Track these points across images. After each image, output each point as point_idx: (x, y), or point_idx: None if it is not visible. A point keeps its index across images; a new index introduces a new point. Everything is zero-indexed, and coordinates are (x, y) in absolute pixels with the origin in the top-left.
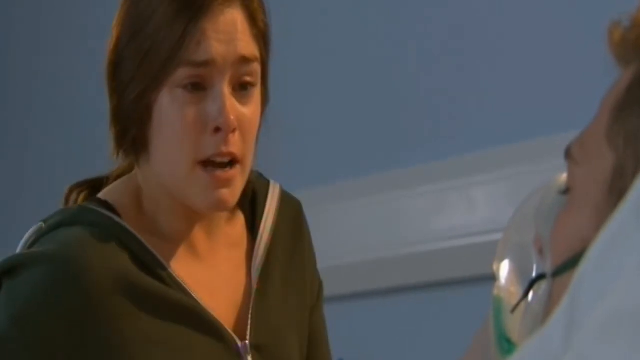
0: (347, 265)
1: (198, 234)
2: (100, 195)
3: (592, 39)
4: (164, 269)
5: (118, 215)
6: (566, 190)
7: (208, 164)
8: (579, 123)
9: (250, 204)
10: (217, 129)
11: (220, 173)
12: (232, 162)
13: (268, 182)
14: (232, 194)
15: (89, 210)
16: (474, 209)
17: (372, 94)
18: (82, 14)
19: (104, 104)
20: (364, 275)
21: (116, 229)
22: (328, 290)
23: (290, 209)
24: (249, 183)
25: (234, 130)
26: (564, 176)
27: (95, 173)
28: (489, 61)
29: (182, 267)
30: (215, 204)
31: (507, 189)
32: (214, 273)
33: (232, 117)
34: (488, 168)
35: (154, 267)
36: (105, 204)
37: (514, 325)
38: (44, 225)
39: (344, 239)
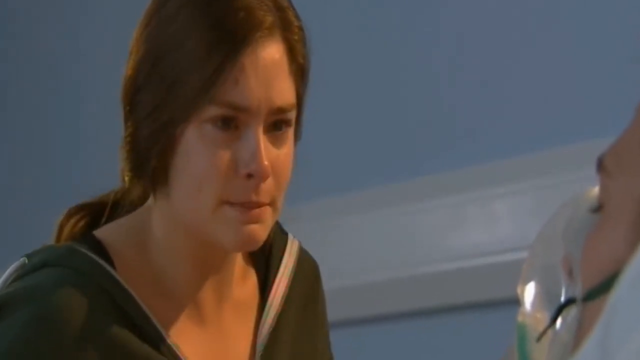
0: (353, 286)
1: (206, 292)
2: (97, 232)
3: (622, 42)
4: (161, 337)
5: (111, 262)
6: (598, 206)
7: (236, 203)
8: (612, 130)
9: (266, 260)
10: (249, 175)
11: (249, 211)
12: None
13: (287, 237)
14: (263, 229)
15: (78, 254)
16: (496, 224)
17: (383, 99)
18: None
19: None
20: (372, 298)
21: (106, 281)
22: (332, 314)
23: (307, 270)
24: (267, 238)
25: (266, 177)
26: (595, 189)
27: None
28: (510, 64)
29: (182, 334)
30: (245, 241)
31: (532, 202)
32: (217, 342)
33: (265, 164)
34: (511, 179)
35: (149, 334)
36: (98, 245)
37: (540, 355)
38: (27, 261)
39: (350, 258)
